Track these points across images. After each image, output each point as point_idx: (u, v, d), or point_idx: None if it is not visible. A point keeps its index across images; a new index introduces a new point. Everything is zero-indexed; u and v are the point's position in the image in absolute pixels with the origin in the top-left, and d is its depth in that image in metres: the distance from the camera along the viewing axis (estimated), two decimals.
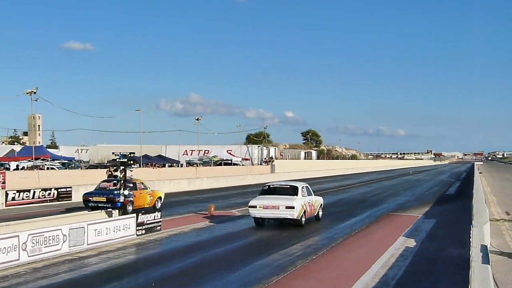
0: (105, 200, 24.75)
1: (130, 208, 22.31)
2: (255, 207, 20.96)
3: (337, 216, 25.39)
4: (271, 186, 22.60)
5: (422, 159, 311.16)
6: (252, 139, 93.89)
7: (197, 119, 66.28)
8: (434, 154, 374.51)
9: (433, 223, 22.71)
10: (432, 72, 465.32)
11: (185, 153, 79.73)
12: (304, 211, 21.31)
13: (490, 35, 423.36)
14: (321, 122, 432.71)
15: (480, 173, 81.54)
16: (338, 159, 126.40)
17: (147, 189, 26.65)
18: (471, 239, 12.76)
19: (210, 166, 66.99)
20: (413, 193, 42.71)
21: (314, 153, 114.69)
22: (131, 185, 21.22)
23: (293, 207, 20.56)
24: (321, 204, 23.99)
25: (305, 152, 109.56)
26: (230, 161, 73.71)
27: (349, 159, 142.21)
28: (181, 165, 67.72)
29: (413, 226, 21.72)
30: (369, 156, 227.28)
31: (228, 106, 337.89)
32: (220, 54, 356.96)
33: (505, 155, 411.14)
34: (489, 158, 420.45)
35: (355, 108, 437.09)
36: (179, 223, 22.04)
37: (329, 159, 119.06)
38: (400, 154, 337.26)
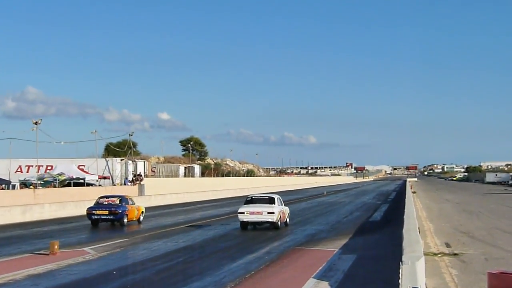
0: (107, 213, 36.82)
1: (125, 220, 37.57)
2: (243, 213, 34.53)
3: (227, 252, 25.48)
4: (253, 197, 37.02)
5: (339, 175, 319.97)
6: (114, 150, 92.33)
7: (36, 123, 64.47)
8: (355, 169, 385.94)
9: (352, 260, 23.22)
10: (352, 66, 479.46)
11: (19, 169, 77.31)
12: (280, 216, 35.13)
13: (423, 25, 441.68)
14: (206, 127, 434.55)
15: (414, 192, 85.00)
16: (229, 176, 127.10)
17: (134, 204, 39.95)
18: (400, 280, 13.10)
19: (55, 187, 65.43)
20: (327, 220, 43.63)
21: (197, 169, 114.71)
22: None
23: (273, 213, 34.39)
24: (289, 213, 38.54)
25: (185, 167, 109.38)
26: (82, 180, 72.32)
27: (244, 176, 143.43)
28: (13, 187, 65.69)
29: (327, 265, 22.09)
30: (271, 172, 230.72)
31: (80, 105, 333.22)
32: (67, 36, 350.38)
33: (445, 169, 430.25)
34: (425, 173, 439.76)
35: (251, 109, 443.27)
36: (8, 268, 21.27)
37: (217, 175, 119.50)
38: (312, 168, 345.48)
